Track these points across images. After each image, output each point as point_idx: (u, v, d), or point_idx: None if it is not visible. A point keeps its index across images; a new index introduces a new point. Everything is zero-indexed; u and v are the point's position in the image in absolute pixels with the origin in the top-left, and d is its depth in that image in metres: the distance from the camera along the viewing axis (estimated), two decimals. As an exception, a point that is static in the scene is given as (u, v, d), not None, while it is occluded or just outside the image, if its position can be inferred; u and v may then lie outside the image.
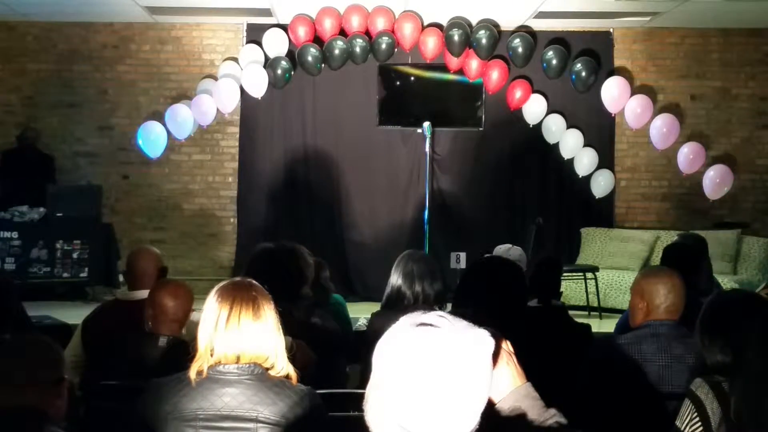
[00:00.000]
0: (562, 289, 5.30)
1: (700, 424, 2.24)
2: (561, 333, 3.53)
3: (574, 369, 3.09)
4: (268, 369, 2.29)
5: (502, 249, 5.01)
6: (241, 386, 2.25)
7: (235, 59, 8.48)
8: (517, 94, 8.48)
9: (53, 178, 8.54)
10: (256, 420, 2.24)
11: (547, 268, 3.99)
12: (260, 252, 3.61)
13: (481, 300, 2.85)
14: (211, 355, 2.26)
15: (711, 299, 2.55)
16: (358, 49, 8.15)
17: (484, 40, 8.17)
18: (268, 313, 2.31)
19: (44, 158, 8.57)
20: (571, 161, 8.56)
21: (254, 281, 2.39)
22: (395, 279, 3.61)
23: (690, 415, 2.26)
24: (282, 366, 2.32)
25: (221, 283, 2.36)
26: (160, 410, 2.27)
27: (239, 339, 2.26)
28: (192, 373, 2.26)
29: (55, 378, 2.15)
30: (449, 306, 3.61)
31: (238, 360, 2.26)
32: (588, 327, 3.75)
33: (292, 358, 2.42)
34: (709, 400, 2.24)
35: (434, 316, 1.33)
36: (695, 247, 4.62)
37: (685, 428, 2.27)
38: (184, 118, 8.04)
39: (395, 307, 3.51)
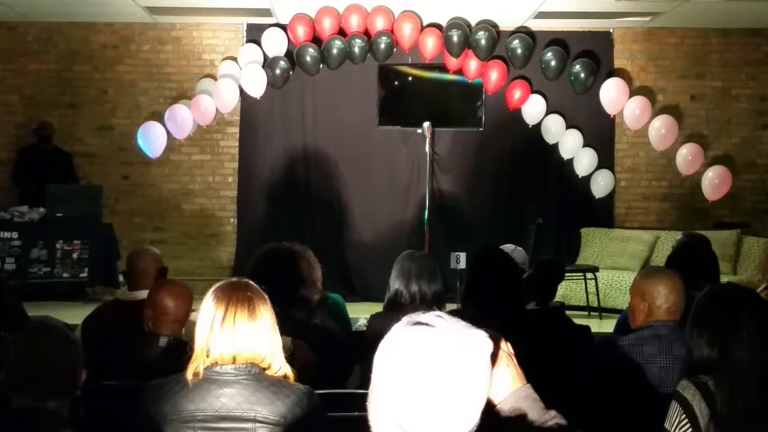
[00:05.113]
0: (560, 290, 5.29)
1: (689, 425, 2.23)
2: (560, 334, 3.52)
3: (574, 370, 3.08)
4: (265, 369, 2.29)
5: (507, 250, 5.00)
6: (239, 386, 2.25)
7: (235, 59, 8.48)
8: (517, 94, 8.48)
9: (75, 177, 8.54)
10: (254, 420, 2.24)
11: (549, 272, 3.97)
12: (264, 252, 3.61)
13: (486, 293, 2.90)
14: (207, 356, 2.27)
15: (704, 292, 2.50)
16: (356, 49, 8.14)
17: (483, 41, 8.17)
18: (264, 314, 2.31)
19: (63, 155, 8.56)
20: (570, 161, 8.56)
21: (250, 281, 2.39)
22: (393, 280, 3.60)
23: (678, 416, 2.25)
24: (279, 366, 2.32)
25: (217, 284, 2.36)
26: (158, 412, 2.27)
27: (235, 339, 2.26)
28: (189, 375, 2.26)
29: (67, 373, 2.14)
30: (448, 306, 3.61)
31: (234, 360, 2.26)
32: (587, 328, 3.74)
33: (291, 358, 2.42)
34: (696, 401, 2.22)
35: (432, 317, 1.33)
36: (699, 247, 4.58)
37: (674, 430, 2.25)
38: (183, 118, 8.03)
39: (395, 308, 3.51)
